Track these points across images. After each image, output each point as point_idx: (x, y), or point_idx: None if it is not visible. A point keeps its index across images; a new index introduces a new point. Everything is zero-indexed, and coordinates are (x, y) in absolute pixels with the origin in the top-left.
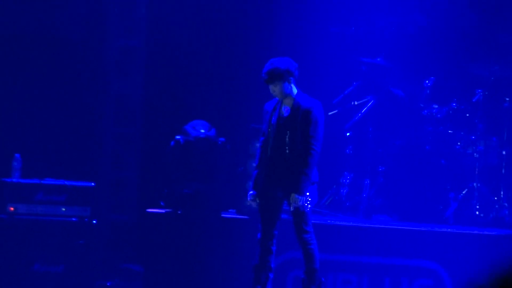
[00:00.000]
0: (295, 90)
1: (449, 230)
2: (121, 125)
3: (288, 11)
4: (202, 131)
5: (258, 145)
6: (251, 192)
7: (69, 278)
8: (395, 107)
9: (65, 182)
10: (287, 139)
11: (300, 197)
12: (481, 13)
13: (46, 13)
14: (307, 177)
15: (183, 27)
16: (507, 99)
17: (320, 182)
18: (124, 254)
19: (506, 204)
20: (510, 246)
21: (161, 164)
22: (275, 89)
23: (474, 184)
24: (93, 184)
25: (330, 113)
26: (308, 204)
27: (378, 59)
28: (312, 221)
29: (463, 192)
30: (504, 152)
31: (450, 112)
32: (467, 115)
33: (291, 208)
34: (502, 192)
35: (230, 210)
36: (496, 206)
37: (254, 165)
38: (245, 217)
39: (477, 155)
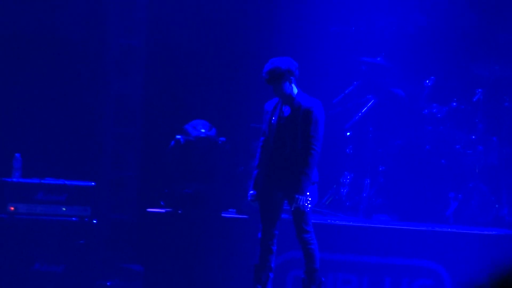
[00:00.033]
0: (295, 90)
1: (449, 230)
2: (121, 125)
3: (288, 11)
4: (203, 130)
5: (258, 144)
6: (251, 191)
7: (69, 278)
8: (395, 106)
9: (65, 181)
10: (287, 139)
11: (300, 197)
12: (481, 13)
13: (46, 13)
14: (307, 177)
15: (183, 27)
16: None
17: (320, 182)
18: (124, 254)
19: (506, 204)
20: (510, 246)
21: (161, 163)
22: (275, 89)
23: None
24: (93, 183)
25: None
26: (308, 204)
27: (378, 59)
28: (313, 221)
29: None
30: (504, 152)
31: (450, 112)
32: (467, 115)
33: (291, 208)
34: (502, 192)
35: (230, 210)
36: (496, 206)
37: (254, 164)
38: (245, 216)
39: (477, 155)
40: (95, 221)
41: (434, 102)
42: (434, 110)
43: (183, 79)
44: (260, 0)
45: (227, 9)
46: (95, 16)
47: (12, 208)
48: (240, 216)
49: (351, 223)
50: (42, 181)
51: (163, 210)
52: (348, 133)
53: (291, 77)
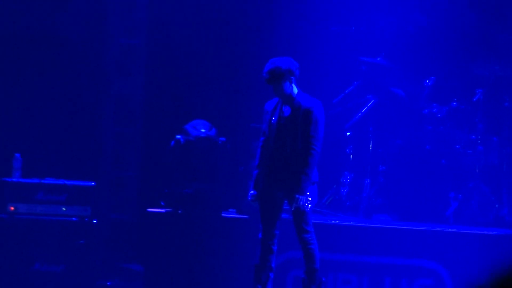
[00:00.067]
0: (295, 90)
1: (449, 230)
2: (121, 125)
3: (288, 11)
4: (203, 130)
5: (258, 144)
6: (251, 192)
7: (69, 278)
8: (395, 106)
9: (66, 181)
10: (287, 139)
11: (300, 197)
12: (481, 13)
13: (46, 13)
14: (307, 177)
15: (183, 27)
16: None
17: (321, 182)
18: (124, 254)
19: (506, 204)
20: (510, 246)
21: (161, 163)
22: (276, 89)
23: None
24: (93, 183)
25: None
26: (308, 203)
27: (378, 59)
28: (313, 221)
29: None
30: (504, 152)
31: (451, 111)
32: (467, 114)
33: (292, 208)
34: (502, 192)
35: (230, 210)
36: (496, 206)
37: (254, 164)
38: (246, 216)
39: (477, 155)
40: (95, 221)
41: (434, 102)
42: (434, 110)
43: (183, 79)
44: (260, 0)
45: (227, 9)
46: (95, 16)
47: (12, 208)
48: (241, 216)
49: (351, 223)
50: (42, 181)
51: (163, 210)
52: (348, 133)
53: (292, 77)
